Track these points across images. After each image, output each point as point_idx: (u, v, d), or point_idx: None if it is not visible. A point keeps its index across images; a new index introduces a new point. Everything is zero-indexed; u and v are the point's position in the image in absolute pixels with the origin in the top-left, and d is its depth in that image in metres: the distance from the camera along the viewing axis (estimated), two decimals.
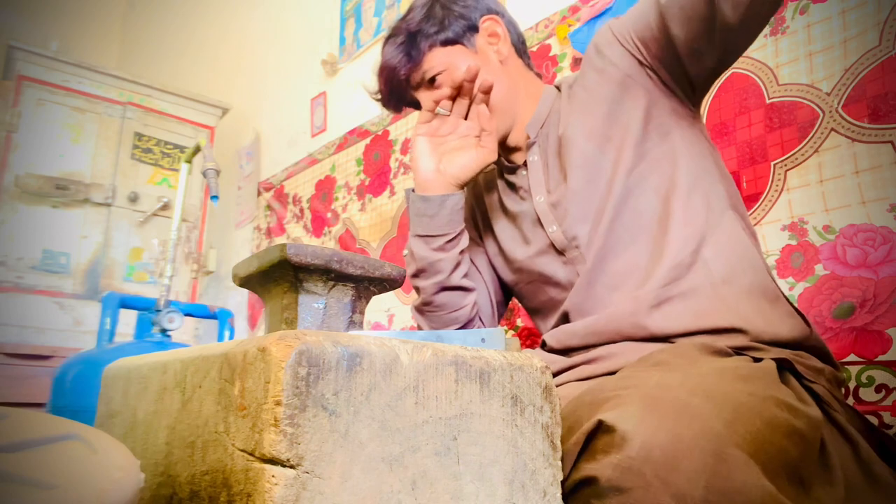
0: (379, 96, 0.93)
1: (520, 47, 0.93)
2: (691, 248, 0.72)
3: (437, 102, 0.85)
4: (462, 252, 0.88)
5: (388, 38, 0.90)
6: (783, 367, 0.61)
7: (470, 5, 0.89)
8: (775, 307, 0.69)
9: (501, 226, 0.94)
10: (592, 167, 0.79)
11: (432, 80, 0.87)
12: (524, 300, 0.95)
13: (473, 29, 0.88)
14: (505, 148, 0.91)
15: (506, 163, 0.92)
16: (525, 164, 0.89)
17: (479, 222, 1.00)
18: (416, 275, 0.89)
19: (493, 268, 0.98)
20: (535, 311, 0.93)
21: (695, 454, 0.41)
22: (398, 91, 0.90)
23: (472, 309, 0.91)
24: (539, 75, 0.95)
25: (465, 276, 0.89)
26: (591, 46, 0.83)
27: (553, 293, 0.85)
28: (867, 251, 0.93)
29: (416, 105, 0.93)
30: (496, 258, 0.96)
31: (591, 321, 0.75)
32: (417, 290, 0.90)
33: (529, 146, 0.88)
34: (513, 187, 0.91)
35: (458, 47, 0.87)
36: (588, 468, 0.42)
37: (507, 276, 0.95)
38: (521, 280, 0.91)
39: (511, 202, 0.91)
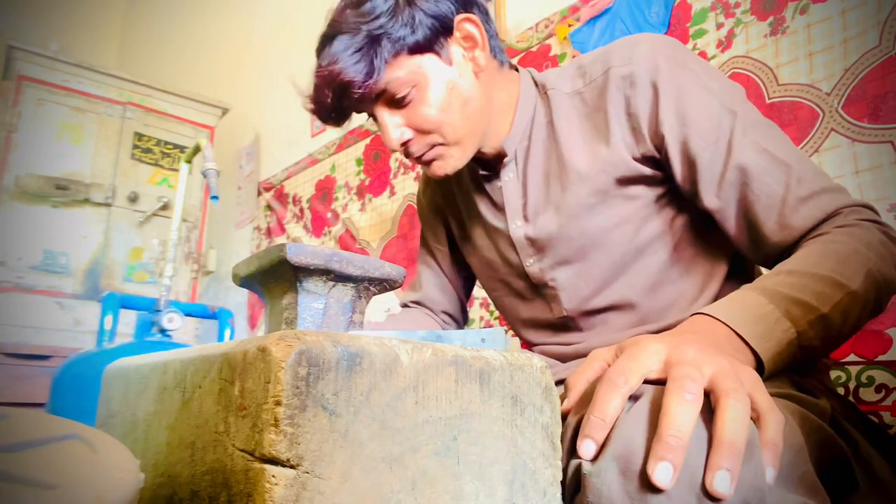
0: (315, 106, 0.74)
1: (493, 44, 0.77)
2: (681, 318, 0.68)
3: (404, 145, 0.74)
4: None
5: (334, 34, 0.70)
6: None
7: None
8: None
9: (478, 233, 0.87)
10: (589, 222, 0.73)
11: (396, 100, 0.71)
12: (499, 307, 0.91)
13: (447, 31, 0.71)
14: (476, 158, 0.80)
15: (480, 170, 0.83)
16: (499, 176, 0.80)
17: (448, 221, 0.94)
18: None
19: (458, 267, 0.98)
20: (514, 321, 0.89)
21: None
22: (346, 107, 0.73)
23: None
24: (508, 63, 0.81)
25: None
26: (631, 88, 0.69)
27: (528, 312, 0.83)
28: None
29: (364, 112, 0.76)
30: (471, 258, 0.91)
31: (578, 348, 0.77)
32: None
33: (505, 164, 0.79)
34: (490, 198, 0.83)
35: (428, 56, 0.71)
36: (584, 447, 0.41)
37: (483, 280, 0.91)
38: (495, 289, 0.88)
39: (487, 212, 0.84)
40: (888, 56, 0.95)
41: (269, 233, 2.68)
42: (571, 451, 0.43)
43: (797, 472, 0.42)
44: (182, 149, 2.69)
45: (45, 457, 0.31)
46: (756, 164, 0.63)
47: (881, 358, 0.90)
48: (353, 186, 2.21)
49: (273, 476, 0.31)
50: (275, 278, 0.45)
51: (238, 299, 2.76)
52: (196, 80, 3.31)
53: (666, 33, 1.27)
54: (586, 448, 0.40)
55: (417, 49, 0.70)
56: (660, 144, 0.68)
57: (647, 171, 0.70)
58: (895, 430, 0.88)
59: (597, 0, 1.40)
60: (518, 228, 0.79)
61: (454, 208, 0.92)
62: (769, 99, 1.09)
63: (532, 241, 0.77)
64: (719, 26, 1.19)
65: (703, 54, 1.21)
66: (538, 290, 0.80)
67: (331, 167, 2.34)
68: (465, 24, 0.72)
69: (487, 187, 0.83)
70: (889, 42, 0.95)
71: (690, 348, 0.43)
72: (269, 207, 2.70)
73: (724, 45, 1.18)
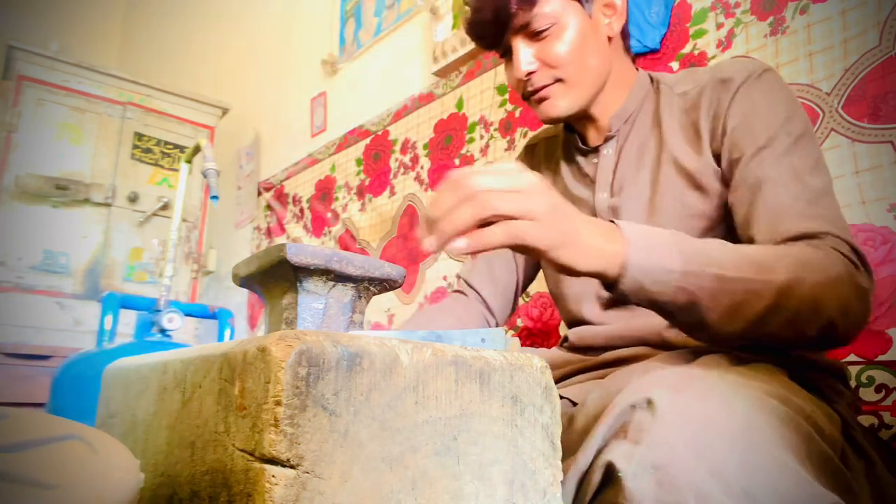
0: (475, 28, 0.81)
1: (625, 29, 0.85)
2: None
3: (528, 75, 0.79)
4: None
5: None
6: (806, 386, 0.61)
7: None
8: None
9: None
10: (672, 203, 0.76)
11: (536, 32, 0.78)
12: (551, 283, 0.93)
13: None
14: (581, 122, 0.86)
15: (580, 143, 0.88)
16: (597, 151, 0.85)
17: None
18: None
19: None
20: (560, 297, 0.91)
21: (726, 432, 0.41)
22: (501, 28, 0.79)
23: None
24: (634, 60, 0.88)
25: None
26: (724, 89, 0.74)
27: (586, 284, 0.84)
28: (867, 251, 0.93)
29: (502, 49, 0.83)
30: None
31: (617, 327, 0.77)
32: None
33: (607, 139, 0.84)
34: (580, 170, 0.88)
35: (574, 3, 0.78)
36: (619, 448, 0.42)
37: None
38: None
39: (574, 185, 0.88)
40: (888, 56, 0.95)
41: (269, 233, 2.68)
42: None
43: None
44: (182, 149, 2.69)
45: (45, 457, 0.31)
46: (779, 176, 0.66)
47: (881, 358, 0.90)
48: (353, 186, 2.21)
49: (273, 476, 0.31)
50: (275, 278, 0.45)
51: (238, 299, 2.76)
52: (196, 80, 3.31)
53: (666, 33, 1.27)
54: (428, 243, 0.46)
55: None
56: (723, 138, 0.72)
57: (720, 169, 0.74)
58: (895, 430, 0.88)
59: None
60: (603, 200, 0.83)
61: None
62: None
63: (614, 211, 0.81)
64: (719, 26, 1.19)
65: (702, 54, 1.21)
66: None
67: (331, 167, 2.34)
68: None
69: (582, 161, 0.87)
70: (889, 42, 0.95)
71: (547, 206, 0.47)
72: (269, 207, 2.70)
73: (724, 45, 1.18)
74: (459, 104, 1.79)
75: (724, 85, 0.74)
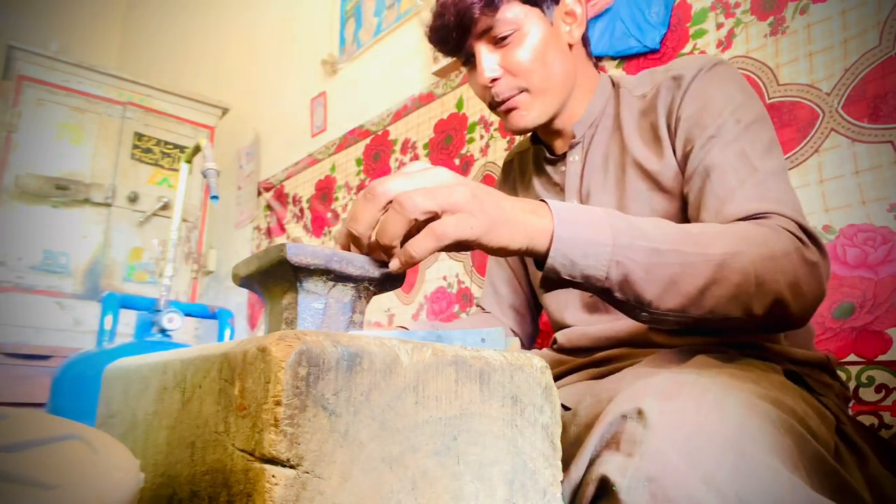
0: (437, 33, 0.82)
1: (586, 36, 0.86)
2: None
3: (492, 81, 0.78)
4: None
5: None
6: (794, 381, 0.61)
7: None
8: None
9: None
10: (640, 208, 0.76)
11: (498, 38, 0.78)
12: (537, 291, 0.95)
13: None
14: (547, 132, 0.87)
15: (547, 153, 0.89)
16: (564, 158, 0.86)
17: None
18: None
19: (523, 263, 0.98)
20: (546, 304, 0.92)
21: (718, 438, 0.41)
22: (464, 33, 0.79)
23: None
24: (596, 65, 0.89)
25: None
26: (676, 87, 0.74)
27: (567, 293, 0.85)
28: (867, 251, 0.93)
29: (464, 56, 0.83)
30: None
31: (604, 328, 0.77)
32: None
33: (573, 145, 0.84)
34: (549, 179, 0.89)
35: (535, 10, 0.79)
36: (612, 461, 0.42)
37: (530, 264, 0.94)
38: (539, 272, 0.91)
39: (544, 195, 0.89)
40: (888, 56, 0.95)
41: (269, 233, 2.68)
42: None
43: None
44: (182, 149, 2.69)
45: (45, 457, 0.31)
46: (727, 161, 0.66)
47: (881, 358, 0.90)
48: (353, 186, 2.21)
49: (273, 476, 0.31)
50: (275, 278, 0.45)
51: (238, 299, 2.76)
52: (196, 80, 3.31)
53: (666, 33, 1.27)
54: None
55: (528, 0, 0.78)
56: (677, 133, 0.73)
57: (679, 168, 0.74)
58: (895, 430, 0.88)
59: (597, 0, 1.40)
60: None
61: (515, 192, 0.97)
62: (769, 99, 1.09)
63: None
64: (719, 26, 1.19)
65: (703, 54, 1.21)
66: None
67: (331, 167, 2.34)
68: (571, 1, 0.82)
69: (550, 170, 0.88)
70: (889, 42, 0.95)
71: (465, 194, 0.45)
72: (269, 207, 2.70)
73: (724, 45, 1.18)
74: (459, 104, 1.79)
75: (676, 82, 0.74)
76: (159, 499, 0.43)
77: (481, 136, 1.71)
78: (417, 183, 0.45)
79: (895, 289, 0.90)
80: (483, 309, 1.02)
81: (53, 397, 1.32)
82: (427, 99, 1.91)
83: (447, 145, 1.82)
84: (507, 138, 1.63)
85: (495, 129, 1.67)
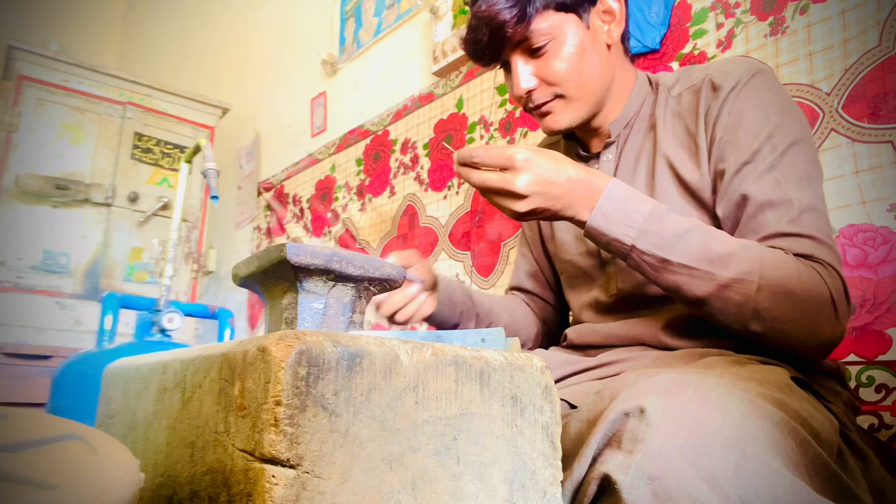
0: (471, 46, 0.81)
1: (625, 33, 0.85)
2: None
3: (529, 92, 0.79)
4: None
5: None
6: (801, 387, 0.61)
7: None
8: None
9: None
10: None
11: (534, 49, 0.78)
12: (565, 287, 0.96)
13: (592, 0, 0.79)
14: (584, 131, 0.87)
15: (581, 151, 0.89)
16: (598, 157, 0.86)
17: None
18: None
19: (546, 255, 0.99)
20: (569, 303, 0.94)
21: (720, 438, 0.41)
22: (498, 46, 0.79)
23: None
24: (632, 61, 0.88)
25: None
26: (714, 97, 0.74)
27: (587, 293, 0.86)
28: (867, 251, 0.93)
29: (502, 63, 0.83)
30: (549, 243, 0.95)
31: (615, 325, 0.78)
32: None
33: (608, 144, 0.84)
34: None
35: (571, 16, 0.78)
36: (614, 459, 0.42)
37: (557, 261, 0.94)
38: (566, 271, 0.91)
39: None
40: (888, 56, 0.95)
41: (269, 233, 2.68)
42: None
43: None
44: (182, 149, 2.69)
45: (45, 457, 0.31)
46: (762, 193, 0.67)
47: (881, 358, 0.90)
48: (353, 186, 2.21)
49: (273, 476, 0.31)
50: (275, 278, 0.45)
51: (238, 299, 2.76)
52: (196, 80, 3.31)
53: (666, 33, 1.27)
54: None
55: (563, 7, 0.77)
56: (711, 148, 0.74)
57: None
58: (895, 430, 0.89)
59: None
60: None
61: None
62: None
63: None
64: (719, 26, 1.19)
65: (703, 54, 1.21)
66: (603, 267, 0.83)
67: (331, 167, 2.34)
68: None
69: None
70: (889, 42, 0.95)
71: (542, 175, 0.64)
72: (269, 207, 2.70)
73: (724, 45, 1.18)
74: (459, 104, 1.79)
75: (715, 93, 0.74)
76: (159, 499, 0.43)
77: (481, 136, 1.71)
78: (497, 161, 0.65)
79: (895, 289, 0.90)
80: (512, 288, 1.04)
81: (53, 397, 1.32)
82: (427, 99, 1.91)
83: (447, 145, 1.82)
84: (507, 138, 1.63)
85: (495, 129, 1.67)
